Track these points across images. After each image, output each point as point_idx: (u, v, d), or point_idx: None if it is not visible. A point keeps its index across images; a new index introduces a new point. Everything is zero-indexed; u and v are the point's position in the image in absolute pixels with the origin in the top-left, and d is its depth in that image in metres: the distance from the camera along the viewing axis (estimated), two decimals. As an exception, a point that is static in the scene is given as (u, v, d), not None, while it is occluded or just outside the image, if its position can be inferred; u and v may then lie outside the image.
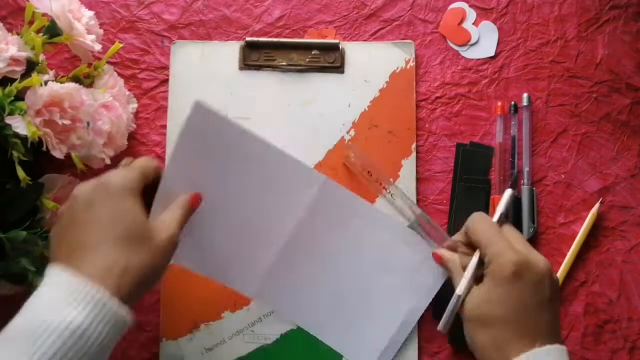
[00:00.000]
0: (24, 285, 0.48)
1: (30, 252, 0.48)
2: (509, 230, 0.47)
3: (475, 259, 0.46)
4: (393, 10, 0.59)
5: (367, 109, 0.57)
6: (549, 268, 0.43)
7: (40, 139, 0.43)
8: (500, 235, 0.44)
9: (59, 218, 0.40)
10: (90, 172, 0.54)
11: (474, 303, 0.44)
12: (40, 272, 0.47)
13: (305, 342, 0.54)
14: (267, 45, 0.57)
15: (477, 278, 0.45)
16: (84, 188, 0.40)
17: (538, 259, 0.43)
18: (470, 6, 0.59)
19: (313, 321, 0.53)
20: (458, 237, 0.50)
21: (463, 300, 0.45)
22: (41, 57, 0.49)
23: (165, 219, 0.42)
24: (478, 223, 0.46)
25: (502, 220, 0.48)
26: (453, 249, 0.49)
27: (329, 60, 0.57)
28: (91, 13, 0.52)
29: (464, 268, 0.46)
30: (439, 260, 0.49)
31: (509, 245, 0.43)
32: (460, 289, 0.45)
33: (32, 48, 0.48)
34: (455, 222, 0.56)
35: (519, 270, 0.42)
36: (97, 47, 0.51)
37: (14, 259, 0.47)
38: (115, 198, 0.39)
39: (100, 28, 0.53)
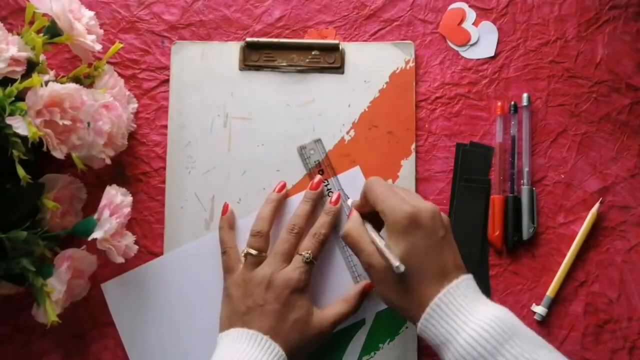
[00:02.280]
0: (24, 286, 0.48)
1: (31, 252, 0.48)
2: (396, 187, 0.50)
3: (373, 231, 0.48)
4: (393, 10, 0.59)
5: (367, 109, 0.57)
6: (436, 209, 0.46)
7: (40, 139, 0.43)
8: (392, 192, 0.47)
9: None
10: (90, 172, 0.54)
11: (383, 266, 0.45)
12: (40, 272, 0.47)
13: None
14: (267, 45, 0.57)
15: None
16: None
17: (426, 205, 0.46)
18: (470, 6, 0.59)
19: None
20: (357, 203, 0.52)
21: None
22: (41, 57, 0.49)
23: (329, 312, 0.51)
24: (374, 184, 0.49)
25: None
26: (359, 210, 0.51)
27: (329, 60, 0.57)
28: (91, 13, 0.52)
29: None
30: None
31: (401, 199, 0.46)
32: (381, 241, 0.46)
33: (33, 48, 0.48)
34: (455, 222, 0.56)
35: (413, 219, 0.45)
36: (98, 47, 0.51)
37: (14, 259, 0.47)
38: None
39: (100, 28, 0.53)
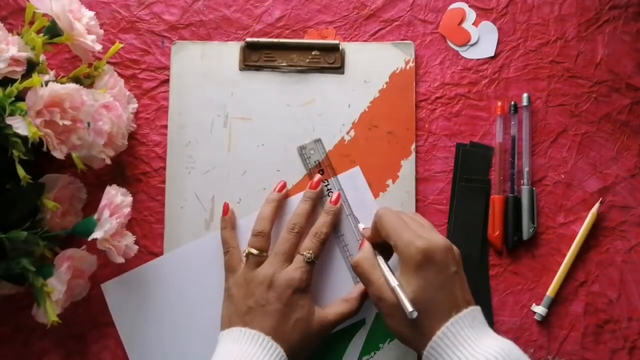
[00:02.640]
0: (24, 286, 0.48)
1: (31, 252, 0.48)
2: (407, 217, 0.50)
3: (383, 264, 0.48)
4: (393, 10, 0.59)
5: (367, 109, 0.57)
6: (449, 244, 0.46)
7: (40, 139, 0.43)
8: (405, 225, 0.47)
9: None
10: (90, 172, 0.54)
11: (392, 299, 0.45)
12: (40, 272, 0.47)
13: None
14: (267, 45, 0.57)
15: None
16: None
17: (439, 240, 0.46)
18: (470, 6, 0.59)
19: None
20: (368, 232, 0.52)
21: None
22: (42, 57, 0.49)
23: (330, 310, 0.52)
24: (385, 217, 0.49)
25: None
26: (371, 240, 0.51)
27: (329, 60, 0.57)
28: (91, 13, 0.52)
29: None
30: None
31: (414, 234, 0.46)
32: (393, 279, 0.46)
33: (33, 48, 0.48)
34: (455, 222, 0.56)
35: (427, 255, 0.44)
36: (98, 47, 0.51)
37: (15, 259, 0.47)
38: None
39: (100, 28, 0.53)
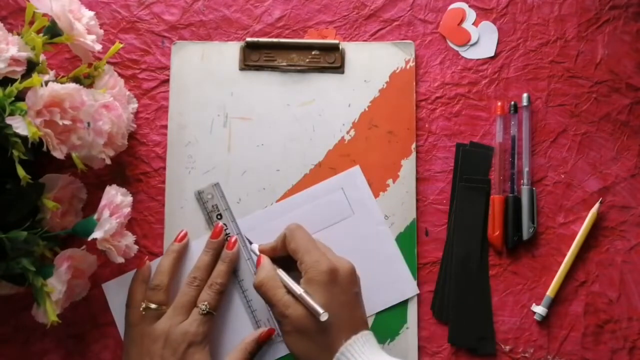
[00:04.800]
0: (24, 286, 0.48)
1: (31, 253, 0.48)
2: (316, 240, 0.51)
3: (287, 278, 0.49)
4: (393, 10, 0.59)
5: (367, 109, 0.57)
6: (353, 267, 0.49)
7: (40, 139, 0.43)
8: (314, 245, 0.49)
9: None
10: (90, 172, 0.54)
11: (298, 315, 0.46)
12: (40, 272, 0.47)
13: None
14: (267, 45, 0.57)
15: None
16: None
17: (343, 262, 0.49)
18: (470, 6, 0.59)
19: None
20: (273, 244, 0.52)
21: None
22: (41, 57, 0.49)
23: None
24: (297, 232, 0.50)
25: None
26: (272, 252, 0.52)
27: (329, 60, 0.57)
28: (91, 13, 0.52)
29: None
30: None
31: (322, 254, 0.48)
32: (298, 288, 0.47)
33: (33, 48, 0.48)
34: (455, 222, 0.56)
35: (333, 274, 0.47)
36: (98, 47, 0.51)
37: (15, 259, 0.47)
38: None
39: (100, 28, 0.53)
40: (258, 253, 0.53)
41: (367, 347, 0.45)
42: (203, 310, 0.51)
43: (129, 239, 0.51)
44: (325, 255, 0.48)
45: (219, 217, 0.56)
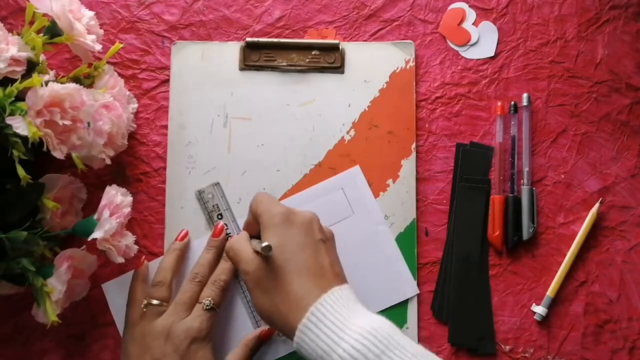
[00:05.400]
0: (24, 286, 0.48)
1: (31, 253, 0.48)
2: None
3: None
4: (393, 10, 0.59)
5: (367, 109, 0.57)
6: (315, 217, 0.47)
7: (40, 139, 0.43)
8: (273, 200, 0.48)
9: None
10: (90, 172, 0.54)
11: (256, 266, 0.45)
12: (40, 272, 0.47)
13: None
14: (267, 45, 0.57)
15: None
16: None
17: (304, 211, 0.47)
18: (470, 6, 0.59)
19: None
20: (247, 217, 0.51)
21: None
22: (42, 57, 0.49)
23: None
24: (260, 195, 0.49)
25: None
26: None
27: (329, 60, 0.57)
28: (91, 13, 0.52)
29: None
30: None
31: (278, 203, 0.47)
32: (256, 241, 0.46)
33: (33, 48, 0.48)
34: (455, 222, 0.56)
35: (287, 217, 0.46)
36: (98, 47, 0.51)
37: (15, 259, 0.47)
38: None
39: (100, 28, 0.53)
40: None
41: (344, 302, 0.42)
42: (207, 306, 0.50)
43: (129, 239, 0.51)
44: (283, 205, 0.47)
45: (219, 217, 0.56)
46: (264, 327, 0.53)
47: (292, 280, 0.43)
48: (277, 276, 0.44)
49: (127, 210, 0.49)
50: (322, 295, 0.42)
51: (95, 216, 0.48)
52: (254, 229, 0.49)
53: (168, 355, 0.48)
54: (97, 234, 0.47)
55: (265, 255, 0.44)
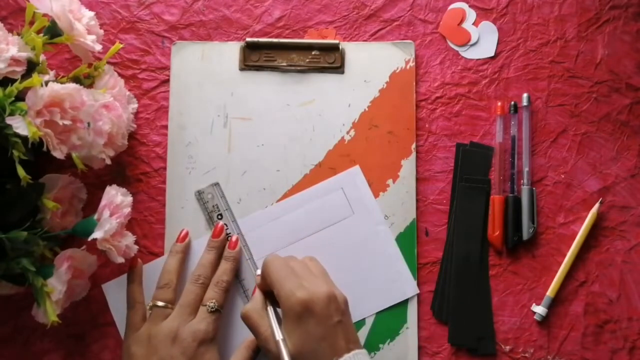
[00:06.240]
0: (24, 286, 0.48)
1: (31, 253, 0.48)
2: (297, 263, 0.50)
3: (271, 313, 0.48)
4: (393, 10, 0.59)
5: (367, 109, 0.57)
6: (332, 294, 0.46)
7: (40, 139, 0.43)
8: (289, 274, 0.47)
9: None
10: (90, 172, 0.54)
11: (275, 345, 0.45)
12: (40, 272, 0.47)
13: None
14: (267, 45, 0.57)
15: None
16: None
17: (321, 290, 0.46)
18: (470, 6, 0.59)
19: None
20: (259, 280, 0.50)
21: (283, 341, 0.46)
22: (42, 57, 0.49)
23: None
24: (270, 265, 0.48)
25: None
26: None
27: (329, 60, 0.57)
28: (92, 13, 0.52)
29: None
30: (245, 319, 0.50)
31: (296, 284, 0.46)
32: (278, 333, 0.46)
33: (33, 48, 0.48)
34: (455, 222, 0.56)
35: (307, 307, 0.45)
36: (98, 47, 0.51)
37: (15, 259, 0.47)
38: None
39: (100, 28, 0.53)
40: (256, 280, 0.53)
41: None
42: (211, 308, 0.50)
43: (129, 239, 0.51)
44: (300, 286, 0.46)
45: (219, 217, 0.56)
46: None
47: None
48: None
49: (127, 210, 0.49)
50: None
51: (96, 216, 0.48)
52: (267, 290, 0.49)
53: (176, 358, 0.48)
54: (97, 234, 0.47)
55: None
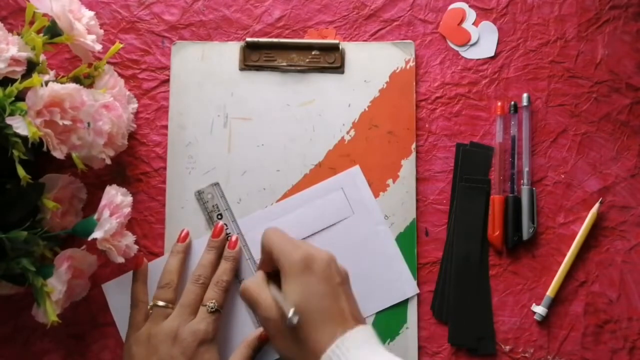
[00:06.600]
0: (24, 286, 0.48)
1: (31, 253, 0.48)
2: (294, 239, 0.49)
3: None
4: (393, 10, 0.59)
5: (367, 109, 0.57)
6: (332, 257, 0.46)
7: (40, 139, 0.43)
8: (288, 240, 0.48)
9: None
10: (90, 172, 0.54)
11: (277, 315, 0.45)
12: (40, 272, 0.47)
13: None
14: (267, 45, 0.57)
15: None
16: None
17: (321, 252, 0.46)
18: (470, 6, 0.59)
19: None
20: (261, 256, 0.50)
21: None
22: (42, 57, 0.49)
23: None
24: (270, 233, 0.49)
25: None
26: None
27: (329, 60, 0.57)
28: (91, 13, 0.52)
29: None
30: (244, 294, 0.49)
31: (295, 246, 0.46)
32: (277, 292, 0.45)
33: (33, 48, 0.48)
34: (455, 222, 0.56)
35: (307, 264, 0.45)
36: (98, 47, 0.51)
37: (15, 259, 0.47)
38: None
39: (100, 28, 0.53)
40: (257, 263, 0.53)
41: (361, 346, 0.42)
42: (211, 308, 0.50)
43: (129, 239, 0.51)
44: (299, 246, 0.46)
45: (219, 217, 0.56)
46: None
47: (316, 328, 0.43)
48: (300, 325, 0.43)
49: (127, 210, 0.49)
50: (341, 337, 0.42)
51: (95, 216, 0.48)
52: (269, 267, 0.49)
53: (176, 358, 0.48)
54: (97, 234, 0.47)
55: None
